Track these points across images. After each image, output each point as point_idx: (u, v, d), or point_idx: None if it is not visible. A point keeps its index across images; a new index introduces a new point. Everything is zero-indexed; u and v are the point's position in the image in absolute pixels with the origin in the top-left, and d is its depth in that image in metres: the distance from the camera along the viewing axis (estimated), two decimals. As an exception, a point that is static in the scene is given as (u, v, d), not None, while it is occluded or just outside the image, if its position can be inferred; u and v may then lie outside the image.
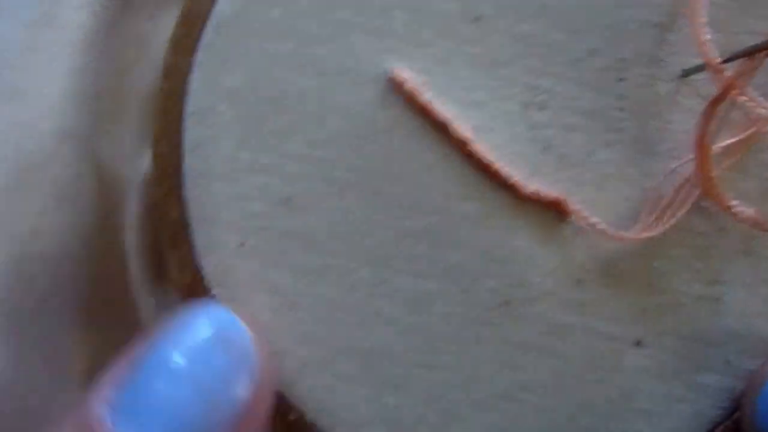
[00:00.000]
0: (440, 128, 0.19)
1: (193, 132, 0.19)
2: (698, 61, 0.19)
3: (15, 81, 0.21)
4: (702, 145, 0.19)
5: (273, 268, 0.19)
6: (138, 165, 0.22)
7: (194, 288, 0.19)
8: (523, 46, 0.20)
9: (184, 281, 0.19)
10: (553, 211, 0.19)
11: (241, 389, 0.17)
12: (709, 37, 0.19)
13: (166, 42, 0.21)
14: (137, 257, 0.22)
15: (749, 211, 0.19)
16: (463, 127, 0.19)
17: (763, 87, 0.19)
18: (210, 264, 0.19)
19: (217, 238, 0.19)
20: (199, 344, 0.17)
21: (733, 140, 0.20)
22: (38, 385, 0.21)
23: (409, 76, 0.19)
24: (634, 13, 0.20)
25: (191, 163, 0.19)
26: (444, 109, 0.19)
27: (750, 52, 0.19)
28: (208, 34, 0.19)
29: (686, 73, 0.20)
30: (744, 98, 0.19)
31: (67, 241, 0.22)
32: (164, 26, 0.22)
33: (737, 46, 0.20)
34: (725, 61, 0.19)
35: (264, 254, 0.19)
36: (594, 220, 0.19)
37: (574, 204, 0.19)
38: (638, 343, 0.20)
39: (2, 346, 0.20)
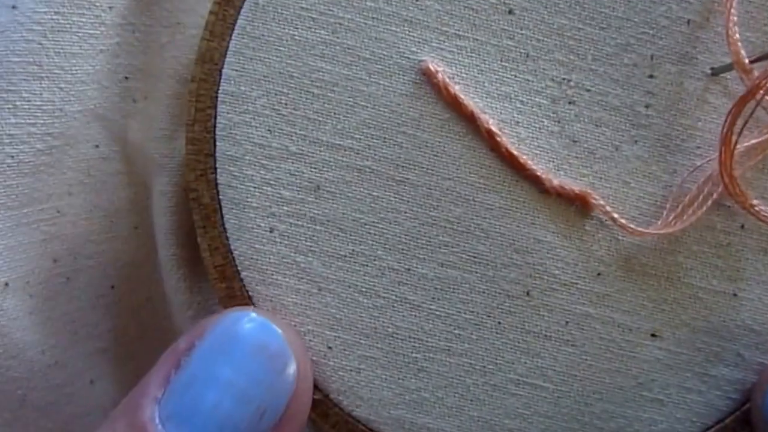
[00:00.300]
0: (469, 119, 0.19)
1: (225, 117, 0.19)
2: (728, 60, 0.19)
3: (43, 61, 0.21)
4: (727, 143, 0.19)
5: (301, 254, 0.20)
6: (170, 147, 0.22)
7: (225, 270, 0.20)
8: (555, 39, 0.20)
9: (215, 263, 0.20)
10: (577, 204, 0.20)
11: (282, 393, 0.17)
12: (738, 36, 0.19)
13: (199, 23, 0.21)
14: (168, 238, 0.22)
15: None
16: (490, 119, 0.20)
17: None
18: (240, 248, 0.20)
19: (247, 223, 0.20)
20: (241, 356, 0.17)
21: (757, 140, 0.20)
22: (65, 362, 0.22)
23: (440, 67, 0.19)
24: (668, 9, 0.20)
25: (223, 148, 0.20)
26: (473, 101, 0.19)
27: (779, 56, 0.19)
28: (242, 21, 0.19)
29: (715, 72, 0.20)
30: (771, 100, 0.19)
31: (92, 222, 0.22)
32: (196, 6, 0.22)
33: (769, 44, 0.20)
34: (754, 61, 0.19)
35: (293, 239, 0.20)
36: (616, 215, 0.20)
37: (597, 198, 0.20)
38: (654, 335, 0.20)
39: (30, 324, 0.21)
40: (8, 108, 0.21)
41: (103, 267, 0.22)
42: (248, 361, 0.17)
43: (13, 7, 0.21)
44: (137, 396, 0.17)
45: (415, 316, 0.20)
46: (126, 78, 0.22)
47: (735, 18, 0.19)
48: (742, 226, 0.20)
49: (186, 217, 0.22)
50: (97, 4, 0.22)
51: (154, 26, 0.22)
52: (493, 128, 0.19)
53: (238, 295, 0.20)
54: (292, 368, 0.18)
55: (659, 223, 0.20)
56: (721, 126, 0.19)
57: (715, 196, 0.20)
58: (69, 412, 0.22)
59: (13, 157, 0.21)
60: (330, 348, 0.20)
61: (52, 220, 0.22)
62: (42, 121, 0.21)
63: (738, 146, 0.19)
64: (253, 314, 0.18)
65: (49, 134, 0.21)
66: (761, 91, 0.19)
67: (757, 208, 0.19)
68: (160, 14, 0.22)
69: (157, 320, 0.23)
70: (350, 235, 0.20)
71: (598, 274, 0.20)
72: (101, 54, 0.22)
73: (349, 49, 0.20)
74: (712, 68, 0.20)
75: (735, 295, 0.20)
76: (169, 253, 0.22)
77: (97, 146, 0.22)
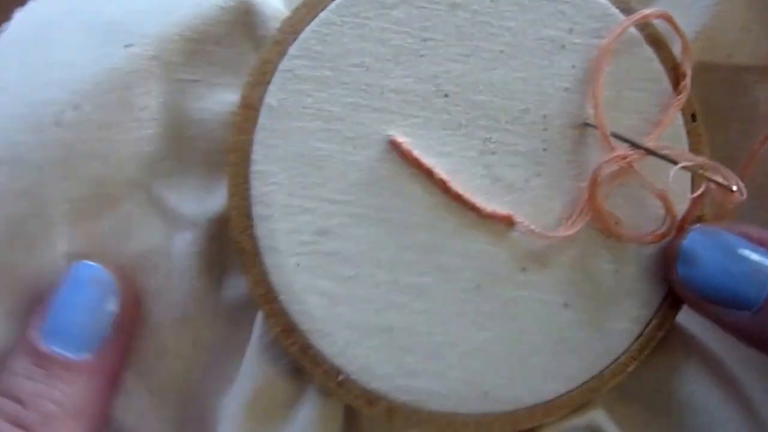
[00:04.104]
0: (426, 174, 0.27)
1: (257, 189, 0.26)
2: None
3: (96, 146, 0.27)
4: (592, 190, 0.27)
5: (319, 279, 0.26)
6: (202, 208, 0.28)
7: (267, 297, 0.26)
8: (478, 111, 0.27)
9: (259, 293, 0.26)
10: (504, 222, 0.27)
11: (112, 306, 0.27)
12: (602, 106, 0.27)
13: (215, 119, 0.28)
14: (190, 272, 0.28)
15: (624, 229, 0.27)
16: (441, 171, 0.27)
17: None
18: (276, 280, 0.26)
19: (279, 261, 0.26)
20: (83, 287, 0.27)
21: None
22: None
23: (402, 139, 0.27)
24: (551, 82, 0.27)
25: (257, 211, 0.26)
26: (427, 160, 0.27)
27: (630, 143, 0.27)
28: (261, 119, 0.26)
29: (587, 124, 0.28)
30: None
31: (134, 259, 0.28)
32: (213, 107, 0.28)
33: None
34: (614, 136, 0.27)
35: (313, 270, 0.26)
36: (532, 226, 0.27)
37: (518, 217, 0.27)
38: (566, 305, 0.28)
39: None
40: (73, 177, 0.27)
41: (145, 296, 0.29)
42: (87, 290, 0.27)
43: (75, 108, 0.27)
44: (27, 332, 0.26)
45: (403, 313, 0.27)
46: (162, 159, 0.28)
47: (600, 88, 0.27)
48: (616, 222, 0.28)
49: (208, 257, 0.28)
50: (133, 106, 0.27)
51: (181, 122, 0.28)
52: (443, 177, 0.27)
53: (277, 313, 0.26)
54: (115, 288, 0.27)
55: (561, 228, 0.27)
56: (589, 177, 0.27)
57: (595, 207, 0.28)
58: None
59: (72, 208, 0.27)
60: (348, 342, 0.27)
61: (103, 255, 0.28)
62: (94, 185, 0.27)
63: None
64: (86, 262, 0.27)
65: (99, 194, 0.28)
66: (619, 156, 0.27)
67: (617, 225, 0.27)
68: (185, 113, 0.28)
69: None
70: (352, 261, 0.26)
71: (524, 268, 0.27)
72: (139, 141, 0.28)
73: (338, 132, 0.26)
74: (585, 122, 0.28)
75: (617, 271, 0.28)
76: (195, 282, 0.28)
77: (140, 205, 0.28)
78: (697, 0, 0.28)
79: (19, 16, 0.28)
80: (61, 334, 0.26)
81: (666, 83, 0.28)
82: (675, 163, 0.26)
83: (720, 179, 0.27)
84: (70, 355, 0.26)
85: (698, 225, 0.27)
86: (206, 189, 0.29)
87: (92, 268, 0.27)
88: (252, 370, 0.27)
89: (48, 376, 0.26)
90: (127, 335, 0.28)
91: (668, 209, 0.27)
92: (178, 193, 0.29)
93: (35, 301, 0.27)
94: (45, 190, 0.27)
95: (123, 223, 0.28)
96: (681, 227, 0.28)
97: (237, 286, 0.29)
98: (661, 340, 0.29)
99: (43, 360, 0.26)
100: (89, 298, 0.27)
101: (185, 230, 0.29)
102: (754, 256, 0.26)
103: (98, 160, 0.27)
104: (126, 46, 0.27)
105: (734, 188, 0.26)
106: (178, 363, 0.29)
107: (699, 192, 0.27)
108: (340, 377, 0.27)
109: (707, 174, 0.27)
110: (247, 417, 0.26)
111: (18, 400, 0.26)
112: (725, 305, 0.26)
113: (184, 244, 0.28)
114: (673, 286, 0.28)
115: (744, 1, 0.28)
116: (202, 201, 0.29)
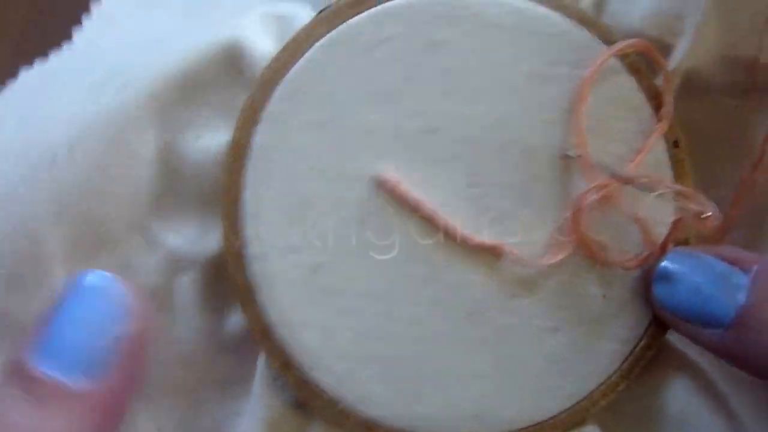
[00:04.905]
0: (413, 208, 0.27)
1: (249, 229, 0.27)
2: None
3: (97, 188, 0.27)
4: (574, 218, 0.27)
5: (315, 313, 0.27)
6: (200, 247, 0.29)
7: (265, 333, 0.27)
8: (464, 145, 0.27)
9: (257, 329, 0.27)
10: (493, 252, 0.28)
11: (123, 326, 0.23)
12: (586, 138, 0.27)
13: (211, 159, 0.28)
14: (200, 310, 0.29)
15: (609, 255, 0.28)
16: (428, 205, 0.27)
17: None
18: (272, 316, 0.27)
19: (274, 298, 0.27)
20: (89, 300, 0.23)
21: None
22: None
23: (390, 175, 0.27)
24: (537, 114, 0.28)
25: (251, 250, 0.27)
26: (415, 195, 0.27)
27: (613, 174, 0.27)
28: (252, 160, 0.27)
29: (569, 157, 0.28)
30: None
31: None
32: (210, 147, 0.28)
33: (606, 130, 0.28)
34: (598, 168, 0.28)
35: (308, 304, 0.27)
36: (520, 255, 0.28)
37: (506, 247, 0.28)
38: (556, 329, 0.28)
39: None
40: (68, 216, 0.27)
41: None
42: (94, 306, 0.23)
43: (70, 148, 0.27)
44: (18, 354, 0.23)
45: (398, 343, 0.27)
46: (159, 199, 0.29)
47: (583, 125, 0.27)
48: (603, 248, 0.29)
49: (209, 295, 0.29)
50: (129, 146, 0.28)
51: (178, 163, 0.28)
52: (431, 212, 0.27)
53: (276, 348, 0.27)
54: (128, 305, 0.24)
55: (548, 255, 0.28)
56: (572, 209, 0.27)
57: (579, 236, 0.28)
58: None
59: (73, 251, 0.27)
60: (344, 373, 0.27)
61: None
62: (90, 225, 0.27)
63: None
64: (95, 272, 0.24)
65: (97, 234, 0.27)
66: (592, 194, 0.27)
67: (603, 251, 0.28)
68: (180, 154, 0.29)
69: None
70: (345, 295, 0.27)
71: (513, 295, 0.28)
72: (136, 180, 0.28)
73: (325, 171, 0.27)
74: (566, 154, 0.28)
75: (605, 295, 0.28)
76: (194, 321, 0.29)
77: (137, 247, 0.28)
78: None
79: (24, 73, 0.28)
80: (60, 355, 0.22)
81: (648, 111, 0.28)
82: (652, 191, 0.27)
83: (693, 206, 0.27)
84: (67, 381, 0.22)
85: (676, 247, 0.28)
86: (204, 228, 0.29)
87: (103, 277, 0.24)
88: (259, 403, 0.28)
89: (39, 407, 0.22)
90: (137, 361, 0.24)
91: (645, 234, 0.28)
92: (176, 233, 0.29)
93: None
94: (39, 229, 0.26)
95: (122, 263, 0.28)
96: (663, 249, 0.28)
97: (239, 322, 0.29)
98: (652, 358, 0.29)
99: (35, 386, 0.22)
100: (95, 312, 0.23)
101: (185, 269, 0.29)
102: (724, 275, 0.26)
103: (94, 199, 0.27)
104: (121, 87, 0.28)
105: (707, 215, 0.27)
106: (185, 400, 0.30)
107: (675, 218, 0.28)
108: (339, 406, 0.28)
109: (681, 201, 0.27)
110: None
111: None
112: (698, 323, 0.27)
113: (185, 282, 0.29)
114: (652, 305, 0.28)
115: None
116: (200, 240, 0.29)
